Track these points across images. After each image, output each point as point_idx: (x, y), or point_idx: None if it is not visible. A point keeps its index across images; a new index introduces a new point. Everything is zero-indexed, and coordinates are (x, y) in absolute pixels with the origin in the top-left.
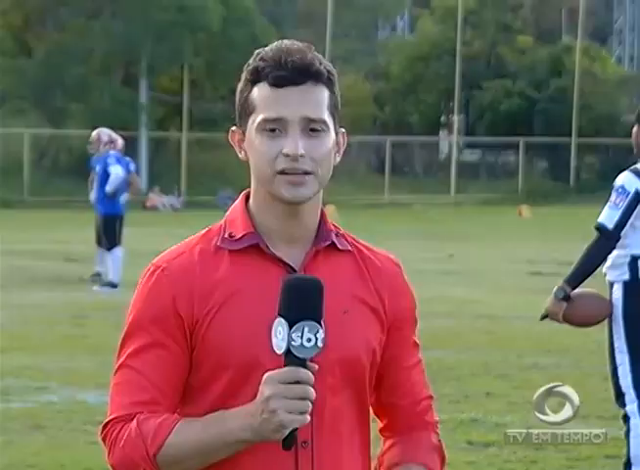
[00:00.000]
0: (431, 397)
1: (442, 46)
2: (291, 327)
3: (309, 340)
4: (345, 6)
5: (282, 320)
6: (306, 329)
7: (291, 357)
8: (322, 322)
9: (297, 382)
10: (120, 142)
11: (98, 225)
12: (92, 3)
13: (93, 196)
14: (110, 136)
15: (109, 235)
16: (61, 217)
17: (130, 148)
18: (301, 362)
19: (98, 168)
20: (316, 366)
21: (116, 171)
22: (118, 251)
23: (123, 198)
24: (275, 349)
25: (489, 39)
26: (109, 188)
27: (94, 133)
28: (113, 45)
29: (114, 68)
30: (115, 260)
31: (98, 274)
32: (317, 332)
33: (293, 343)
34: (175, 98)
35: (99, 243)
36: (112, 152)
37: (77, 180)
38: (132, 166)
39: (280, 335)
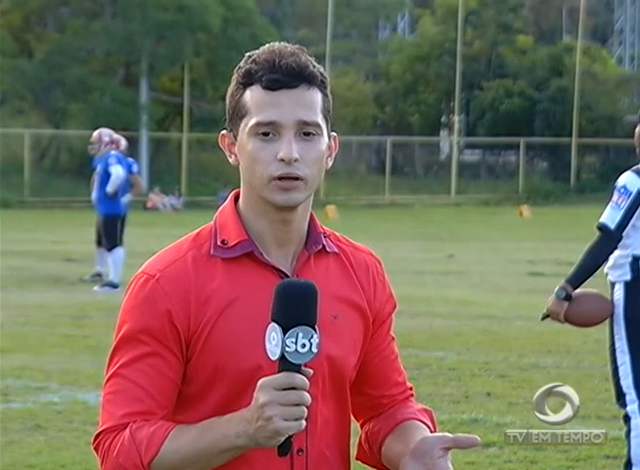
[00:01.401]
0: (411, 388)
1: (443, 46)
2: (285, 333)
3: (304, 345)
4: (346, 6)
5: (275, 326)
6: (301, 335)
7: (285, 363)
8: (316, 327)
9: (293, 388)
10: (124, 143)
11: (98, 225)
12: (92, 3)
13: (94, 196)
14: (111, 136)
15: (109, 235)
16: (61, 217)
17: (131, 148)
18: (296, 368)
19: (99, 169)
20: (311, 371)
21: (117, 171)
22: (119, 251)
23: (125, 198)
24: (269, 354)
25: (490, 39)
26: (109, 188)
27: (95, 133)
28: (113, 45)
29: (114, 68)
30: (116, 261)
31: (98, 274)
32: (312, 337)
33: (287, 349)
34: (176, 98)
35: (99, 243)
36: (113, 152)
37: (77, 180)
38: (135, 168)
39: (274, 341)
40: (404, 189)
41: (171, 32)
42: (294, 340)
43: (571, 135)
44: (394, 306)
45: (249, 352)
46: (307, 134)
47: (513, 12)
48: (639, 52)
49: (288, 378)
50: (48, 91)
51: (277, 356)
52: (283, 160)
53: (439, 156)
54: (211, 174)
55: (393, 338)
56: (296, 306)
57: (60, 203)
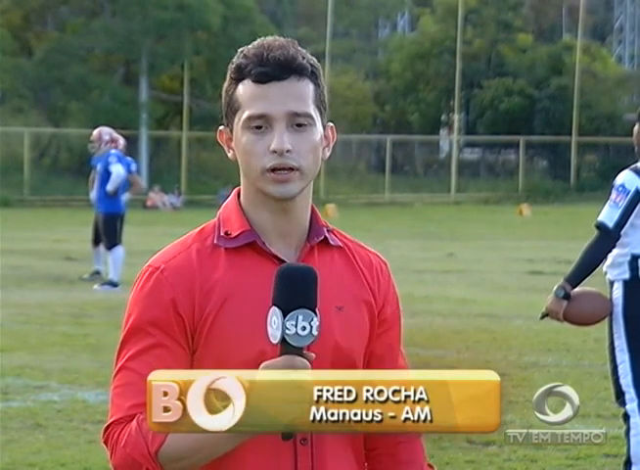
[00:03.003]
0: None
1: (443, 44)
2: (285, 316)
3: (304, 328)
4: (346, 5)
5: (276, 310)
6: (300, 317)
7: (286, 346)
8: (317, 310)
9: None
10: (122, 142)
11: (97, 224)
12: (92, 2)
13: (94, 195)
14: (111, 135)
15: (109, 234)
16: (61, 216)
17: (130, 147)
18: (298, 351)
19: (99, 167)
20: (313, 355)
21: (117, 170)
22: (119, 250)
23: (125, 197)
24: (270, 338)
25: (490, 38)
26: (110, 187)
27: (95, 132)
28: (113, 44)
29: (114, 66)
30: (116, 259)
31: (97, 273)
32: (312, 320)
33: (287, 332)
34: (175, 97)
35: (95, 242)
36: (113, 151)
37: (77, 179)
38: (134, 167)
39: (274, 324)
40: (404, 188)
41: (171, 31)
42: (294, 323)
43: (570, 134)
44: (400, 313)
45: (252, 339)
46: (300, 125)
47: (513, 10)
48: (639, 50)
49: (288, 361)
50: (48, 90)
51: (278, 340)
52: (275, 151)
53: (439, 154)
54: (211, 173)
55: (401, 350)
56: (295, 290)
57: (59, 201)
